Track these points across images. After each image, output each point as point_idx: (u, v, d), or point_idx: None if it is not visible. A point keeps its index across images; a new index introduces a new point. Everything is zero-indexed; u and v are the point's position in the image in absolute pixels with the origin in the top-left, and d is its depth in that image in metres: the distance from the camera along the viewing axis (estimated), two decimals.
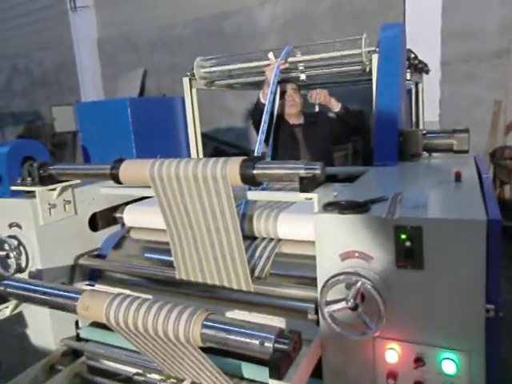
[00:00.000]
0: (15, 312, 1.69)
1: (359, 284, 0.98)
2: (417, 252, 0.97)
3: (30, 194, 1.78)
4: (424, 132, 1.84)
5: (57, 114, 8.00)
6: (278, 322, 1.41)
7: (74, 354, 1.80)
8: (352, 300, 0.97)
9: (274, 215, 1.61)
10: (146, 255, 1.93)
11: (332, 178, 1.67)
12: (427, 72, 4.51)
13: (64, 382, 1.62)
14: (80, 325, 1.88)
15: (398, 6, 5.45)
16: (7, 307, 1.60)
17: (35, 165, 1.80)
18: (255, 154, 1.98)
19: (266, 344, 0.96)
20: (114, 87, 7.84)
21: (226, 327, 1.03)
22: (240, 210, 1.66)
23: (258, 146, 2.07)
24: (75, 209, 1.93)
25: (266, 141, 2.39)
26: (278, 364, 0.92)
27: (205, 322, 1.06)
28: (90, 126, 2.64)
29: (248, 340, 0.99)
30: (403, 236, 0.98)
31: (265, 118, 2.18)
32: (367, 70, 2.29)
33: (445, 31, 5.13)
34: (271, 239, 1.64)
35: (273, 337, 0.97)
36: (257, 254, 1.60)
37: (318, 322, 1.22)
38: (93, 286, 1.93)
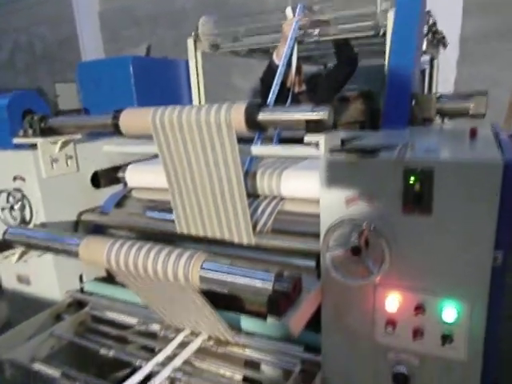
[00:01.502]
0: (21, 260, 1.72)
1: (364, 227, 0.95)
2: (426, 196, 0.94)
3: (33, 147, 1.77)
4: (438, 95, 1.78)
5: (60, 91, 7.90)
6: None
7: (79, 305, 1.82)
8: (356, 242, 0.94)
9: (278, 172, 1.58)
10: (148, 213, 1.92)
11: None
12: (445, 45, 4.35)
13: (69, 329, 1.64)
14: (84, 279, 1.90)
15: None
16: (14, 254, 1.63)
17: (36, 117, 1.78)
18: None
19: (266, 284, 0.95)
20: None
21: (225, 268, 1.02)
22: (244, 167, 1.64)
23: None
24: (77, 165, 1.93)
25: None
26: (277, 302, 0.91)
27: (204, 264, 1.05)
28: (91, 87, 2.59)
29: (247, 280, 0.98)
30: (412, 179, 0.94)
31: (277, 81, 2.10)
32: (381, 32, 2.22)
33: (467, 3, 4.80)
34: (274, 197, 1.62)
35: (272, 277, 0.95)
36: (259, 210, 1.58)
37: (319, 276, 1.21)
38: None
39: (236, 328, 1.42)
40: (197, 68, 2.86)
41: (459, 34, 4.95)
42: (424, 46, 2.88)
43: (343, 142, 1.11)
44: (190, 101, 2.93)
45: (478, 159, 0.94)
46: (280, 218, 1.56)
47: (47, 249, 1.40)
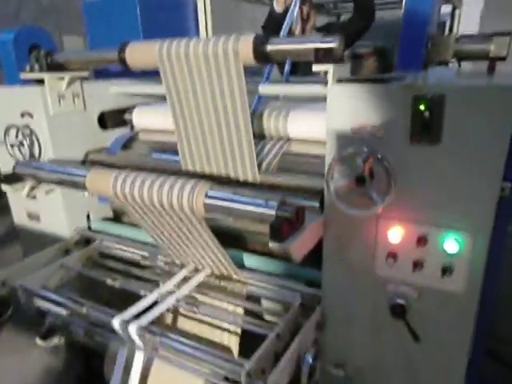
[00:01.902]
0: (31, 196, 1.76)
1: (369, 156, 0.94)
2: (435, 124, 0.92)
3: (40, 83, 1.75)
4: (458, 36, 1.70)
5: (68, 45, 7.73)
6: None
7: (87, 242, 1.87)
8: (360, 172, 0.94)
9: (285, 113, 1.56)
10: (154, 154, 1.92)
11: None
12: None
13: (78, 262, 1.69)
14: (91, 219, 1.94)
15: None
16: (24, 187, 1.67)
17: (42, 52, 1.76)
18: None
19: (269, 211, 0.95)
20: None
21: (230, 196, 1.03)
22: (251, 107, 1.61)
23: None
24: (84, 104, 1.91)
25: None
26: (279, 227, 0.92)
27: (208, 192, 1.05)
28: (98, 28, 2.52)
29: (251, 207, 0.98)
30: (422, 106, 0.92)
31: (283, 31, 1.98)
32: None
33: None
34: (281, 138, 1.61)
35: (275, 204, 0.96)
36: (265, 150, 1.57)
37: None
38: None
39: (239, 265, 1.46)
40: (205, 8, 2.76)
41: None
42: None
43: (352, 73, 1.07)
44: None
45: (493, 85, 0.90)
46: (286, 159, 1.55)
47: (55, 181, 1.42)
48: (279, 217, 0.94)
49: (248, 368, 0.97)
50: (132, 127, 2.11)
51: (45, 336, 1.61)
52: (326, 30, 2.78)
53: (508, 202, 0.92)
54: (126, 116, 2.06)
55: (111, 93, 2.04)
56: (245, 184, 1.46)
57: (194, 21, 2.82)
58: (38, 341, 1.61)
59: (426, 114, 0.91)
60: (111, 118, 2.09)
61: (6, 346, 2.03)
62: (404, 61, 1.70)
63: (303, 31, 2.76)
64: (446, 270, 1.01)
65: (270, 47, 1.15)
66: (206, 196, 1.05)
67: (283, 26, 1.82)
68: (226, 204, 1.02)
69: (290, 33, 2.44)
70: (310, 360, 1.14)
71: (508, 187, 0.90)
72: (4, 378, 1.88)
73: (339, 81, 1.03)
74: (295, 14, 2.28)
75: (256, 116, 1.60)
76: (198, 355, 1.10)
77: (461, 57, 1.68)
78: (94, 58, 1.69)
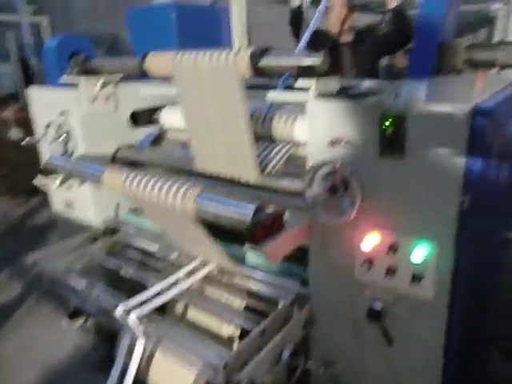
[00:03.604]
0: (65, 186, 1.95)
1: (339, 168, 1.01)
2: (399, 141, 0.97)
3: (77, 86, 1.95)
4: (468, 44, 1.69)
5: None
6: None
7: (113, 232, 2.06)
8: (331, 183, 1.01)
9: (293, 118, 1.63)
10: (178, 151, 2.06)
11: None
12: None
13: (101, 251, 1.88)
14: (120, 209, 2.12)
15: None
16: (57, 178, 1.85)
17: (80, 58, 1.95)
18: None
19: (245, 216, 1.05)
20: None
21: (216, 199, 1.13)
22: (263, 113, 1.70)
23: None
24: (116, 104, 2.09)
25: None
26: (252, 231, 1.01)
27: (198, 195, 1.17)
28: (139, 33, 2.71)
29: (231, 211, 1.09)
30: (387, 124, 0.98)
31: (306, 36, 2.00)
32: None
33: None
34: (288, 142, 1.68)
35: (252, 209, 1.05)
36: (272, 153, 1.65)
37: None
38: None
39: (241, 261, 1.56)
40: (240, 16, 2.84)
41: None
42: None
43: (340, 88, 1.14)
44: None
45: (446, 109, 0.95)
46: (292, 162, 1.63)
47: (79, 176, 1.59)
48: (254, 222, 1.04)
49: (226, 360, 1.06)
50: (161, 126, 2.27)
51: (71, 316, 1.78)
52: (362, 38, 2.76)
53: (468, 213, 0.96)
54: (156, 115, 2.21)
55: (141, 94, 2.20)
56: (248, 186, 1.56)
57: (227, 28, 2.92)
58: (65, 321, 1.79)
59: (391, 131, 0.97)
60: (142, 117, 2.26)
61: (40, 323, 2.28)
62: (415, 68, 1.72)
63: (340, 32, 2.77)
64: (416, 278, 1.07)
65: (262, 62, 1.23)
66: (196, 199, 1.17)
67: (311, 23, 1.85)
68: (211, 208, 1.13)
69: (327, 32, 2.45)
70: (287, 355, 1.22)
71: (466, 200, 0.94)
72: (36, 350, 2.12)
73: (319, 96, 1.10)
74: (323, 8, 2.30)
75: (267, 120, 1.69)
76: (189, 345, 1.20)
77: (473, 64, 1.68)
78: (120, 66, 1.85)
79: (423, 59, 1.67)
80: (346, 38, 2.76)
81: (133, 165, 2.16)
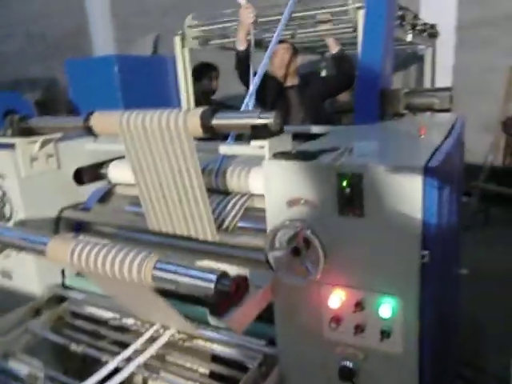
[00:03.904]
0: (3, 255, 1.78)
1: (301, 230, 0.99)
2: (357, 199, 0.98)
3: (12, 147, 1.82)
4: (406, 91, 1.80)
5: None
6: (243, 273, 1.45)
7: (59, 300, 1.89)
8: (293, 245, 0.99)
9: (247, 170, 1.62)
10: (127, 208, 1.97)
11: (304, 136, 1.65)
12: (435, 35, 4.36)
13: (46, 324, 1.71)
14: (66, 274, 1.97)
15: None
16: None
17: (16, 117, 1.84)
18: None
19: (208, 285, 1.00)
20: (127, 52, 7.83)
21: (174, 269, 1.07)
22: (216, 166, 1.68)
23: (245, 106, 2.03)
24: (58, 163, 1.97)
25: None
26: (216, 303, 0.96)
27: (157, 264, 1.10)
28: (79, 84, 2.65)
29: (192, 281, 1.03)
30: (344, 183, 0.98)
31: (256, 80, 2.04)
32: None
33: None
34: (244, 194, 1.66)
35: (215, 278, 1.00)
36: (228, 208, 1.62)
37: None
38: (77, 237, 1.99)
39: (204, 322, 1.48)
40: (184, 65, 2.88)
41: (455, 22, 5.00)
42: (409, 38, 2.88)
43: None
44: (178, 96, 2.95)
45: (399, 163, 0.98)
46: (248, 215, 1.61)
47: (16, 247, 1.46)
48: (218, 291, 0.98)
49: None
50: (109, 181, 2.17)
51: None
52: (307, 81, 2.89)
53: (429, 267, 0.97)
54: (103, 170, 2.12)
55: (86, 149, 2.11)
56: (206, 243, 1.51)
57: (173, 75, 2.96)
58: None
59: (349, 189, 0.98)
60: (87, 174, 2.16)
61: None
62: (361, 114, 1.79)
63: (286, 76, 2.87)
64: (385, 333, 1.05)
65: (214, 121, 1.22)
66: (155, 268, 1.10)
67: (258, 67, 1.90)
68: (171, 277, 1.07)
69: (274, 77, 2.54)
70: None
71: (427, 254, 0.96)
72: None
73: (274, 156, 1.10)
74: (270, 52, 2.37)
75: (220, 173, 1.66)
76: None
77: (412, 108, 1.78)
78: (62, 125, 1.77)
79: (368, 105, 1.75)
80: (292, 81, 2.86)
81: (80, 226, 2.06)
